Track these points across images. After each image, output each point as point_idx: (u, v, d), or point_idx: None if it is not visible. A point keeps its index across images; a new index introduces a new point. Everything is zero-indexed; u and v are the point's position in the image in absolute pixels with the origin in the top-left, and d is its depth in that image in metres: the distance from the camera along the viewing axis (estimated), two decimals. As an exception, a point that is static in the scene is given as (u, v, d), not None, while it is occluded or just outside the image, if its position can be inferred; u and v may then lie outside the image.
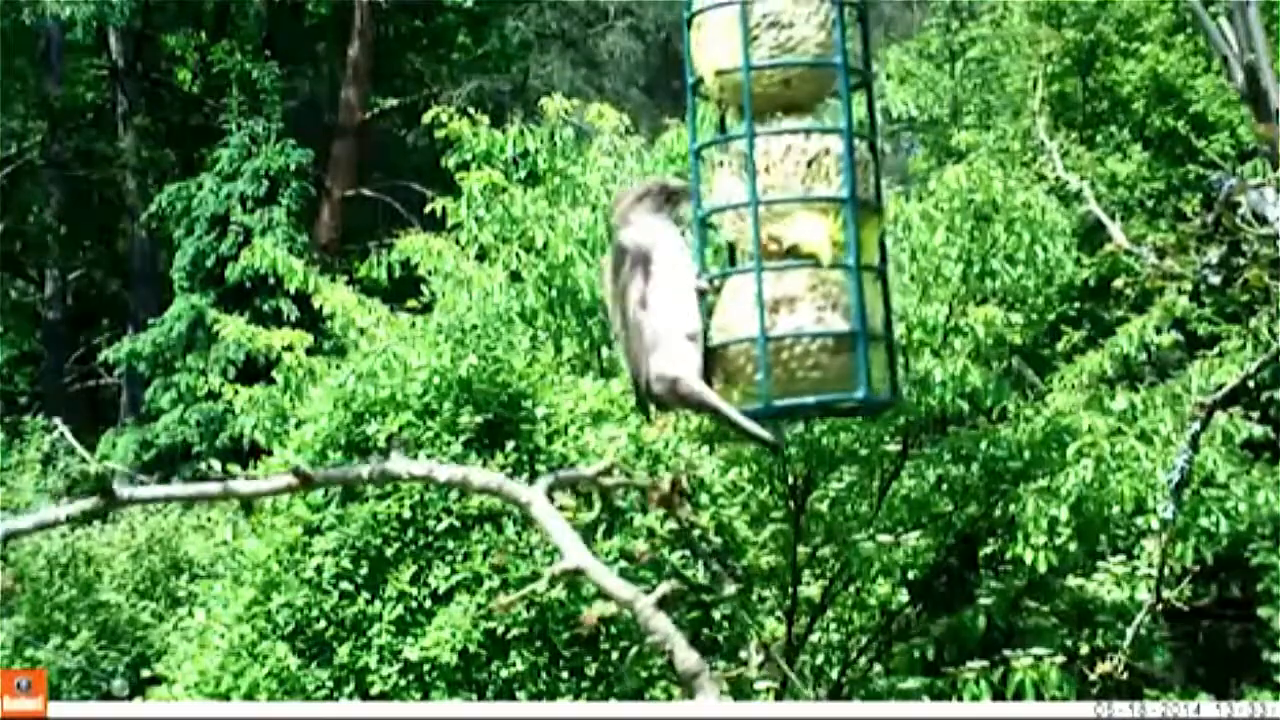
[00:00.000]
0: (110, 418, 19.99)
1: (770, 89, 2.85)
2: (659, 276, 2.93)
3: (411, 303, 9.45)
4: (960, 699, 8.15)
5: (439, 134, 8.97)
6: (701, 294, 2.92)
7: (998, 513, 8.67)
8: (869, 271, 2.86)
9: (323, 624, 6.09)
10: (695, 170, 3.01)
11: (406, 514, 6.16)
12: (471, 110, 9.15)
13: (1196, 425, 4.55)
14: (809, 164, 2.82)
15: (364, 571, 6.14)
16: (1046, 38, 14.87)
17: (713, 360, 2.86)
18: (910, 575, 8.85)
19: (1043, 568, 8.33)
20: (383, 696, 5.94)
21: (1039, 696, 8.02)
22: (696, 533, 6.45)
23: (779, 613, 8.47)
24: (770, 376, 2.78)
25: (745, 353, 2.83)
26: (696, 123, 3.06)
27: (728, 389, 2.85)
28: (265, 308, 16.98)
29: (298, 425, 7.03)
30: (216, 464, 7.27)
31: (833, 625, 9.43)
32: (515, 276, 8.40)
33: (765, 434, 2.89)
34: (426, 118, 9.07)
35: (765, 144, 2.84)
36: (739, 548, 6.83)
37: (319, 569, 6.11)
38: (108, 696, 10.27)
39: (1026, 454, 8.56)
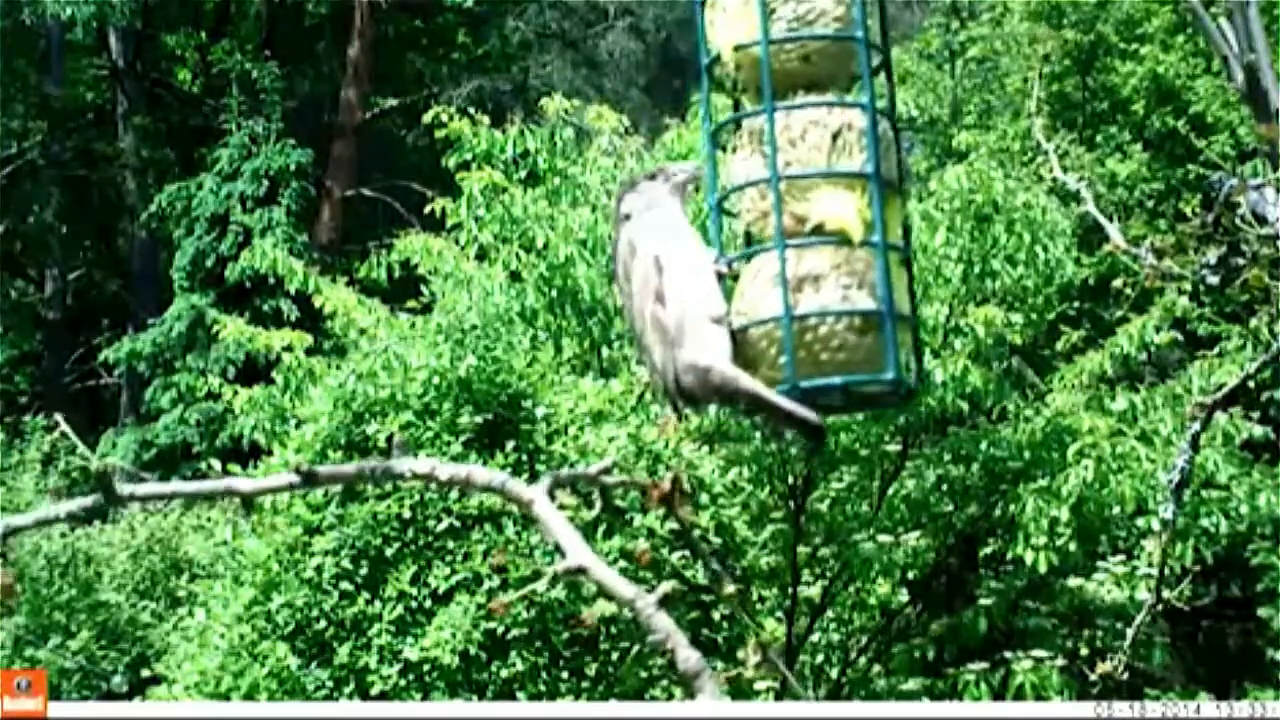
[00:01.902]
0: (110, 418, 19.99)
1: (789, 64, 2.77)
2: (675, 265, 2.80)
3: (411, 303, 9.46)
4: (960, 700, 8.16)
5: (439, 134, 8.98)
6: (720, 278, 2.79)
7: (998, 513, 8.67)
8: (894, 252, 2.75)
9: (323, 624, 6.09)
10: (711, 154, 2.91)
11: (406, 514, 6.16)
12: (471, 110, 9.15)
13: (1196, 425, 4.55)
14: (833, 138, 2.73)
15: (364, 571, 6.13)
16: (1046, 38, 14.87)
17: (733, 345, 2.73)
18: (910, 575, 8.85)
19: (1043, 568, 8.33)
20: (383, 696, 5.94)
21: (1039, 698, 8.02)
22: (696, 533, 6.45)
23: (779, 613, 8.47)
24: (794, 358, 2.67)
25: (767, 335, 2.71)
26: (710, 108, 2.95)
27: (750, 376, 2.71)
28: (265, 308, 16.98)
29: (298, 425, 7.03)
30: (216, 464, 7.26)
31: (833, 625, 9.43)
32: (515, 276, 8.40)
33: (809, 414, 2.68)
34: (426, 118, 9.07)
35: (786, 119, 2.74)
36: (739, 548, 6.83)
37: (319, 569, 6.11)
38: (108, 696, 10.26)
39: (1027, 454, 8.57)
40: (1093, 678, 4.59)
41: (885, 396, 2.84)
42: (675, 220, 2.89)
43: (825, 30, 2.78)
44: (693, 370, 2.72)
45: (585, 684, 6.03)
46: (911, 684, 8.95)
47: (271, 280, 11.58)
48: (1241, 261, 4.81)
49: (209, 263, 17.84)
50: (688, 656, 2.34)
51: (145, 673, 7.75)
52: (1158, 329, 9.11)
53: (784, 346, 2.69)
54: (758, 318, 2.73)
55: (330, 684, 6.01)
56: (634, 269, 2.84)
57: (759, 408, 2.71)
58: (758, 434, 7.91)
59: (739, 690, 5.86)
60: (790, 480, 8.45)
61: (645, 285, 2.81)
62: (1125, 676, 4.65)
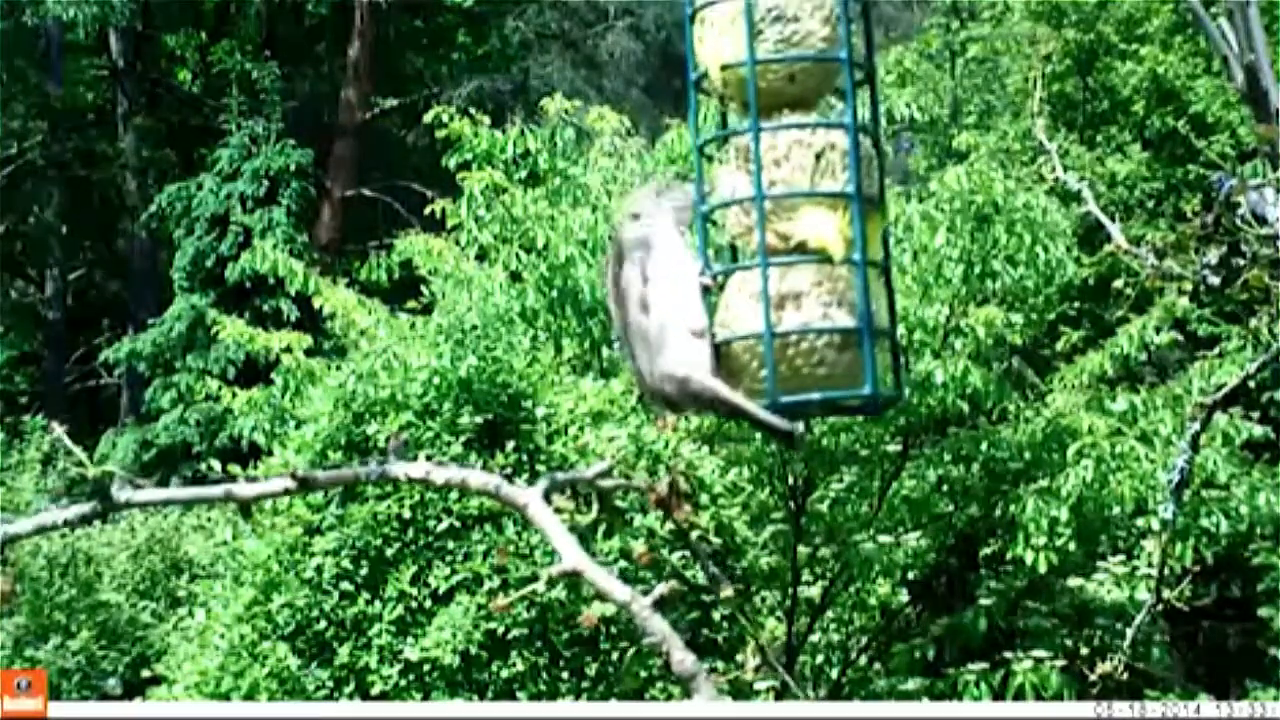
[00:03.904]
0: (110, 418, 19.99)
1: (775, 84, 2.82)
2: (659, 275, 2.88)
3: (411, 303, 9.46)
4: (960, 700, 8.16)
5: (439, 134, 8.97)
6: (705, 290, 2.86)
7: (998, 513, 8.66)
8: (873, 268, 2.82)
9: (323, 624, 6.09)
10: (699, 167, 2.98)
11: (406, 514, 6.16)
12: (471, 110, 9.15)
13: (1196, 425, 4.55)
14: (816, 158, 2.79)
15: (364, 572, 6.13)
16: (1046, 38, 14.86)
17: (716, 357, 2.81)
18: (910, 575, 8.84)
19: (1043, 568, 8.33)
20: (383, 696, 5.94)
21: (1039, 698, 8.02)
22: (696, 534, 6.44)
23: (779, 613, 8.47)
24: (775, 373, 2.74)
25: (750, 349, 2.78)
26: (699, 120, 3.03)
27: (732, 387, 2.80)
28: (265, 308, 16.99)
29: (298, 425, 7.03)
30: (216, 464, 7.26)
31: (833, 625, 9.43)
32: (515, 277, 8.39)
33: (782, 424, 2.78)
34: (427, 118, 9.07)
35: (771, 139, 2.80)
36: (739, 548, 6.83)
37: (319, 569, 6.11)
38: (107, 697, 10.27)
39: (1027, 455, 8.56)
40: (1093, 678, 4.59)
41: (863, 407, 2.97)
42: (666, 234, 2.95)
43: (811, 51, 2.83)
44: (670, 379, 2.83)
45: (585, 684, 6.04)
46: (911, 684, 8.95)
47: (271, 281, 11.59)
48: (1241, 261, 4.81)
49: (209, 263, 17.84)
50: (683, 659, 2.34)
51: (145, 673, 7.74)
52: (1158, 329, 9.10)
53: (765, 361, 2.76)
54: (740, 332, 2.80)
55: (330, 684, 6.01)
56: (622, 276, 2.93)
57: (736, 415, 2.83)
58: (758, 434, 7.92)
59: (739, 690, 5.87)
60: (790, 481, 8.45)
61: (631, 293, 2.90)
62: (1125, 676, 4.65)
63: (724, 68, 2.84)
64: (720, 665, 6.11)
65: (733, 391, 2.78)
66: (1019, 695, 8.12)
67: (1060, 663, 8.29)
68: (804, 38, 2.82)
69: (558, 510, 2.53)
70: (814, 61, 2.83)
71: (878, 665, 9.45)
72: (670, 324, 2.83)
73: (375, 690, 5.96)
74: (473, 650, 5.95)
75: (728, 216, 2.89)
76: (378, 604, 6.09)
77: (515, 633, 6.00)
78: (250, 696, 5.97)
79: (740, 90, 2.83)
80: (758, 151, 2.79)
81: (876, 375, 2.77)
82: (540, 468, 6.24)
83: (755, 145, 2.79)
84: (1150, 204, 14.66)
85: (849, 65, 2.84)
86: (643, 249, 2.92)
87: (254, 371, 13.72)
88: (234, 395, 9.30)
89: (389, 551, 6.15)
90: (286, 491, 2.55)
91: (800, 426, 2.85)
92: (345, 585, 6.12)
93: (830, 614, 9.21)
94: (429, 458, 6.06)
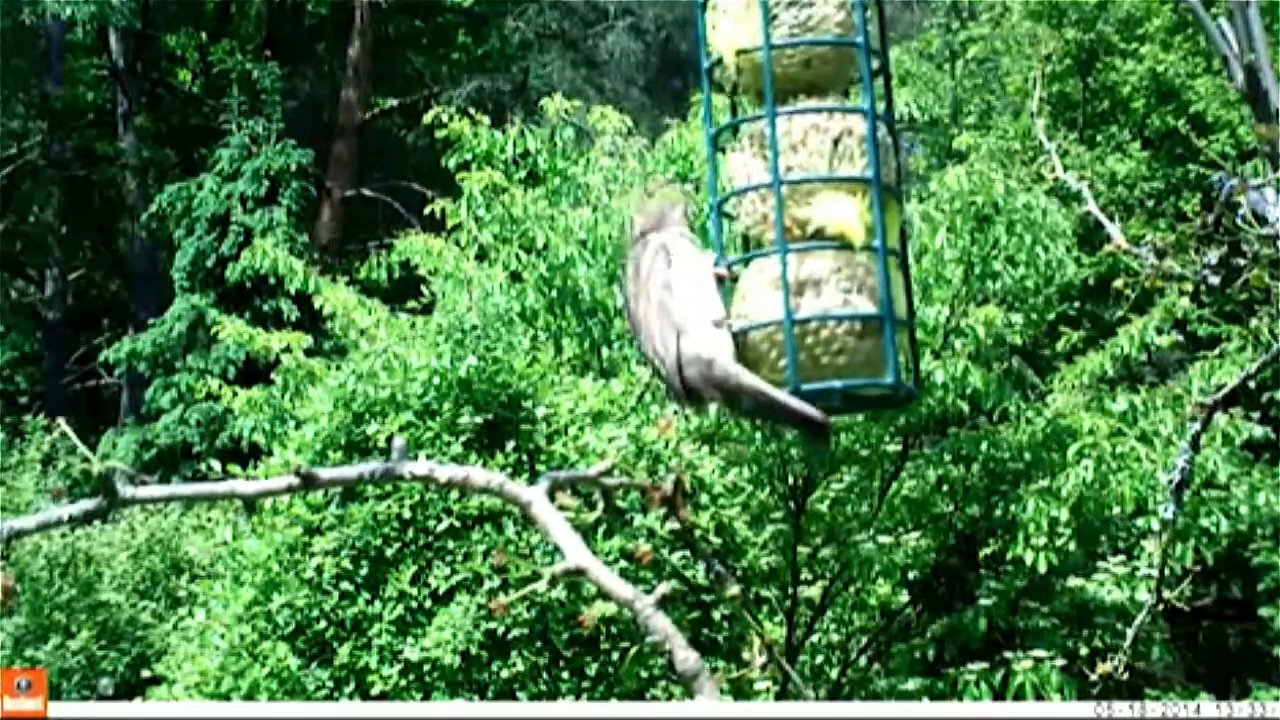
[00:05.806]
0: (110, 418, 19.99)
1: (790, 69, 2.79)
2: (679, 266, 2.83)
3: (411, 303, 9.46)
4: (960, 700, 8.16)
5: (439, 134, 8.97)
6: (720, 280, 2.82)
7: (998, 513, 8.67)
8: (892, 256, 2.77)
9: (323, 624, 6.09)
10: (711, 156, 2.94)
11: (406, 514, 6.16)
12: (471, 110, 9.15)
13: (1197, 426, 4.54)
14: (834, 143, 2.75)
15: (364, 572, 6.13)
16: (1046, 38, 14.87)
17: (735, 348, 2.74)
18: (910, 575, 8.84)
19: (1043, 568, 8.33)
20: (383, 697, 5.94)
21: (1039, 698, 8.02)
22: (697, 533, 6.44)
23: (779, 614, 8.47)
24: (795, 361, 2.69)
25: (768, 338, 2.72)
26: (711, 110, 2.98)
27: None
28: (265, 308, 16.99)
29: (298, 425, 7.03)
30: (216, 464, 7.25)
31: (833, 626, 9.43)
32: (515, 277, 8.40)
33: (812, 411, 2.67)
34: (426, 118, 9.07)
35: (787, 125, 2.76)
36: (739, 548, 6.82)
37: (319, 569, 6.11)
38: (104, 698, 10.27)
39: (1027, 455, 8.57)
40: (1093, 678, 4.58)
41: (884, 399, 2.87)
42: (680, 235, 2.92)
43: (827, 36, 2.80)
44: (696, 362, 2.72)
45: (585, 684, 6.03)
46: (911, 684, 8.95)
47: (272, 281, 11.58)
48: (1241, 261, 4.80)
49: (209, 263, 17.83)
50: (686, 657, 2.34)
51: (145, 673, 7.74)
52: (1158, 330, 9.11)
53: (785, 349, 2.70)
54: (759, 321, 2.74)
55: (330, 684, 6.00)
56: (642, 261, 2.86)
57: (762, 405, 2.71)
58: (759, 434, 7.92)
59: (740, 690, 5.86)
60: (790, 480, 8.45)
61: (652, 276, 2.83)
62: (1125, 676, 4.64)
63: (739, 53, 2.81)
64: (721, 665, 6.11)
65: (756, 378, 2.69)
66: (1019, 695, 8.12)
67: (1060, 663, 8.30)
68: (819, 22, 2.80)
69: (561, 509, 2.52)
70: (830, 46, 2.80)
71: (878, 665, 9.45)
72: (693, 311, 2.77)
73: (375, 690, 5.96)
74: (473, 650, 5.95)
75: (742, 206, 2.84)
76: (378, 604, 6.09)
77: (515, 633, 6.00)
78: (250, 696, 5.97)
79: (755, 77, 2.80)
80: (774, 136, 2.75)
81: (899, 365, 2.71)
82: (540, 468, 6.24)
83: (771, 130, 2.75)
84: (1150, 204, 14.67)
85: (865, 50, 2.81)
86: (664, 243, 2.87)
87: (254, 371, 13.72)
88: (234, 395, 9.30)
89: (389, 551, 6.15)
90: (290, 489, 2.54)
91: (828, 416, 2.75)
92: (345, 585, 6.12)
93: (830, 614, 9.21)
94: (429, 458, 6.06)
